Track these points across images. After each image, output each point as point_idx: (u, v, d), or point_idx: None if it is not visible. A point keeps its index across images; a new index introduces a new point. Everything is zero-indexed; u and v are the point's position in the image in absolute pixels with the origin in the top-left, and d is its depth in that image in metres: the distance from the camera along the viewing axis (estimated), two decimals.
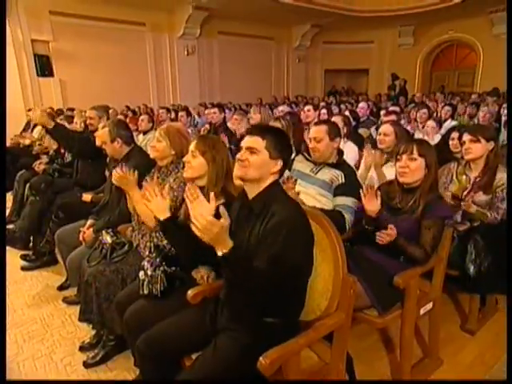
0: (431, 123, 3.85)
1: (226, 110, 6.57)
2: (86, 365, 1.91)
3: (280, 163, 1.29)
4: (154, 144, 1.97)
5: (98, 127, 3.14)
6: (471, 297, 2.07)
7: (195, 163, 1.60)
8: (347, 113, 4.09)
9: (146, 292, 1.52)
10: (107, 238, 1.94)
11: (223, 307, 1.36)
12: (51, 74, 8.99)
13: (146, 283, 1.55)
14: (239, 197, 1.44)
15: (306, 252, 1.25)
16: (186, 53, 10.69)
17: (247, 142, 1.32)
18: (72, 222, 2.58)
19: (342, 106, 6.68)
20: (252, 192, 1.31)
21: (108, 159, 2.88)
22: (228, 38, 11.48)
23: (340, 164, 2.07)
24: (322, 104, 6.89)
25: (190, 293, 1.44)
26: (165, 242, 1.87)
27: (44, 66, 8.81)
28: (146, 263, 1.65)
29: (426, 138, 3.58)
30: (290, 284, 1.22)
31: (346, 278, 1.26)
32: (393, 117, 3.47)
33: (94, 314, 1.86)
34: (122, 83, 9.65)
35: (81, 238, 2.21)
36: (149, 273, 1.55)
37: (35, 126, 6.59)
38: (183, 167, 1.98)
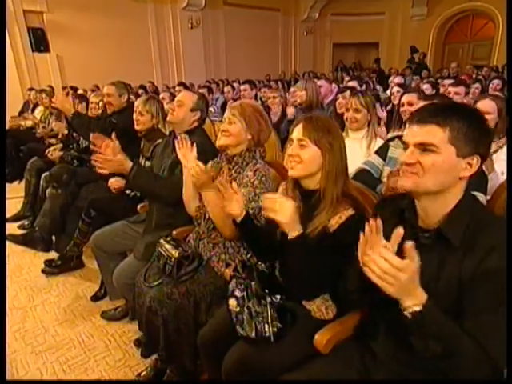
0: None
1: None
2: None
3: (476, 161, 0.86)
4: (225, 127, 1.53)
5: (117, 105, 2.69)
6: None
7: (307, 155, 1.16)
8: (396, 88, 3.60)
9: (252, 334, 1.12)
10: (169, 250, 1.52)
11: (381, 366, 0.96)
12: (47, 50, 8.28)
13: (246, 321, 1.14)
14: (388, 211, 1.02)
15: None
16: (190, 26, 9.96)
17: (415, 133, 0.88)
18: (106, 222, 2.16)
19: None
20: (432, 211, 0.90)
21: (142, 145, 2.43)
22: (234, 9, 10.73)
23: None
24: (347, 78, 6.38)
25: (319, 338, 1.05)
26: (248, 255, 1.47)
27: (39, 41, 8.09)
28: (236, 289, 1.25)
29: None
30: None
31: None
32: (461, 88, 3.00)
33: (162, 349, 1.46)
34: (123, 59, 8.97)
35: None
36: (251, 306, 1.15)
37: (36, 105, 6.05)
38: (260, 156, 1.57)
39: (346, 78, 6.74)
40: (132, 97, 4.17)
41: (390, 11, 13.03)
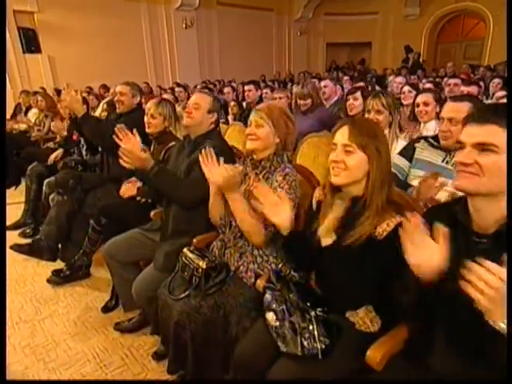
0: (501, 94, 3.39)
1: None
2: None
3: None
4: (252, 131, 1.46)
5: (128, 106, 2.60)
6: None
7: (353, 162, 1.10)
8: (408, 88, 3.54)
9: (298, 351, 1.05)
10: (195, 260, 1.45)
11: (438, 379, 0.91)
12: (38, 50, 8.08)
13: (290, 337, 1.08)
14: (439, 217, 0.96)
15: None
16: (184, 26, 9.85)
17: (474, 133, 0.84)
18: (117, 230, 2.08)
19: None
20: (489, 213, 0.86)
21: (152, 148, 2.35)
22: (227, 8, 10.66)
23: None
24: (346, 78, 6.37)
25: (372, 354, 0.99)
26: (279, 264, 1.41)
27: (30, 41, 7.90)
28: (273, 302, 1.18)
29: None
30: None
31: None
32: (474, 87, 2.98)
33: (190, 364, 1.39)
34: (116, 60, 8.80)
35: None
36: (294, 321, 1.08)
37: (28, 108, 5.89)
38: (289, 160, 1.51)
39: (345, 78, 6.73)
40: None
41: (384, 11, 13.08)
